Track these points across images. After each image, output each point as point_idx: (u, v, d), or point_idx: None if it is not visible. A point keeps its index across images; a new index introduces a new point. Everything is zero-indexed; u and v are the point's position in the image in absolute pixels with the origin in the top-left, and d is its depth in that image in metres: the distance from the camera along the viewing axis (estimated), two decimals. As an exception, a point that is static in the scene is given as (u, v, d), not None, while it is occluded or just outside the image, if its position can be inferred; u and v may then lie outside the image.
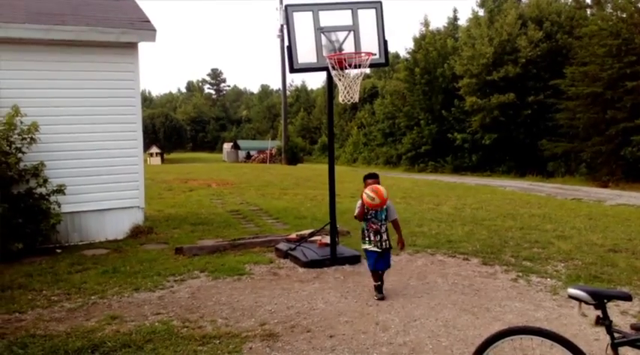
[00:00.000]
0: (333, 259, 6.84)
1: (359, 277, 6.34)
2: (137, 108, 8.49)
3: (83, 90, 8.07)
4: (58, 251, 7.55)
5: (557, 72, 26.51)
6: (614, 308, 5.08)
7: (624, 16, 23.16)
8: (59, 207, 7.50)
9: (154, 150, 57.01)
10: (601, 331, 2.93)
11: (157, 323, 4.72)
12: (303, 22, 6.64)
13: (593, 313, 2.88)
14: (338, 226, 7.50)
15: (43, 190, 7.40)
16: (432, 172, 32.46)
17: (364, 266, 6.80)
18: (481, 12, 36.87)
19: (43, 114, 7.64)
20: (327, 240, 7.20)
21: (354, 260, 6.95)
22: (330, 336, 4.50)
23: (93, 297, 5.49)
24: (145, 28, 8.30)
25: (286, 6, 6.76)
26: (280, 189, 15.85)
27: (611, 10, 25.29)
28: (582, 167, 24.23)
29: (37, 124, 7.33)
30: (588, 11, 31.41)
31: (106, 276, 6.22)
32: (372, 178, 5.61)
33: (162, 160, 55.82)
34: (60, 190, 7.50)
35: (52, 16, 7.98)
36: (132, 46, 8.30)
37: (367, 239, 5.51)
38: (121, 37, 8.08)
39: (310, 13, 6.66)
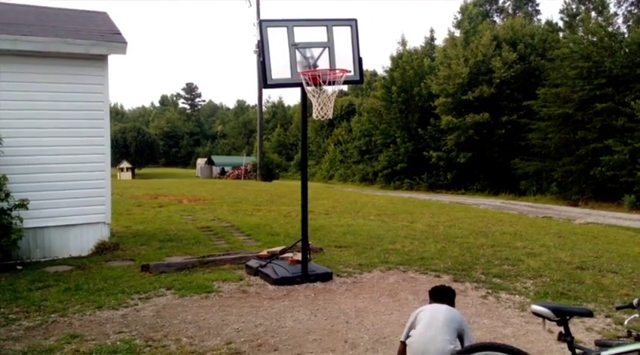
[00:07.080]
0: (304, 276, 6.75)
1: (330, 295, 6.26)
2: (105, 122, 8.31)
3: (50, 102, 7.89)
4: (19, 267, 7.30)
5: (530, 93, 27.08)
6: (579, 325, 5.12)
7: (595, 39, 23.82)
8: (21, 222, 7.25)
9: (125, 165, 55.90)
10: (566, 347, 2.92)
11: (118, 342, 4.58)
12: (277, 37, 6.65)
13: (560, 329, 2.89)
14: (310, 243, 7.42)
15: (4, 205, 7.16)
16: (407, 190, 32.63)
17: (335, 284, 6.75)
18: (457, 32, 37.63)
19: (6, 126, 7.44)
20: (298, 257, 7.11)
21: (325, 277, 6.88)
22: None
23: (53, 315, 5.30)
24: (116, 40, 8.18)
25: (261, 21, 6.77)
26: (254, 206, 15.69)
27: (582, 34, 25.99)
28: (553, 186, 24.65)
29: (0, 136, 7.12)
30: (561, 34, 32.33)
31: (68, 294, 6.02)
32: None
33: (133, 175, 54.74)
34: (22, 205, 7.26)
35: (19, 27, 7.82)
36: (101, 59, 8.16)
37: None
38: (91, 49, 7.94)
39: (285, 28, 6.66)
